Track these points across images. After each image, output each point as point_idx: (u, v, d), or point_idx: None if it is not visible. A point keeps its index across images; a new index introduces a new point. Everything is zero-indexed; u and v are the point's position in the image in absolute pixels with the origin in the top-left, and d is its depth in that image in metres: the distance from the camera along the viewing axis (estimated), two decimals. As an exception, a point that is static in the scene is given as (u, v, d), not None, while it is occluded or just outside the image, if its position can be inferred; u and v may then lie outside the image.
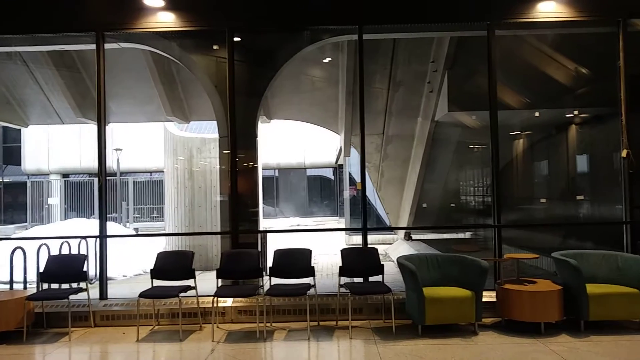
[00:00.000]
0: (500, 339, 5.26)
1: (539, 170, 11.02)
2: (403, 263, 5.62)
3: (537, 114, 9.50)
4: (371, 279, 6.06)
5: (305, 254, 5.97)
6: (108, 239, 6.50)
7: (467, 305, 5.42)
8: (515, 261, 6.00)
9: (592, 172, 9.15)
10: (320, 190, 23.62)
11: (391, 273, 5.98)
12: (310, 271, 5.82)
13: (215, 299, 5.61)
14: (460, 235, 10.64)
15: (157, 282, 5.82)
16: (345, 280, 5.90)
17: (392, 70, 9.48)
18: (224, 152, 6.60)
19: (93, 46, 6.48)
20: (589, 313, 5.39)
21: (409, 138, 10.62)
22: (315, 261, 6.28)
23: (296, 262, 5.90)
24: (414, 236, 11.42)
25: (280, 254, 6.01)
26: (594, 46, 7.87)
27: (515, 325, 5.57)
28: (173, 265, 5.88)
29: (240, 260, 5.91)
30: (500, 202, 6.40)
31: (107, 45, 6.57)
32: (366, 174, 11.81)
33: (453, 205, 10.80)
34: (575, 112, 9.35)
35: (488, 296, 5.89)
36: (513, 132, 10.70)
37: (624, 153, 6.37)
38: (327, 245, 10.11)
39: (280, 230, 7.17)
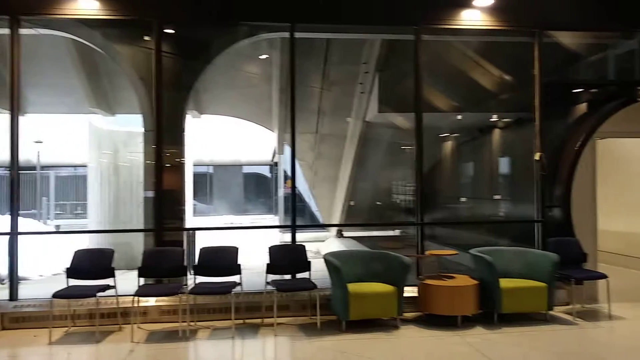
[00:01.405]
0: (420, 333, 5.46)
1: (465, 170, 11.54)
2: (328, 260, 5.69)
3: (459, 116, 9.93)
4: (299, 275, 6.11)
5: (232, 251, 5.91)
6: (22, 237, 6.10)
7: (389, 301, 5.58)
8: (436, 257, 6.25)
9: (511, 174, 9.69)
10: (256, 188, 23.41)
11: (322, 270, 6.04)
12: (236, 269, 5.76)
13: (136, 298, 5.43)
14: (390, 233, 10.92)
15: (76, 282, 5.55)
16: (274, 277, 5.90)
17: (325, 69, 9.58)
18: (150, 146, 6.39)
19: (6, 31, 6.06)
20: (502, 306, 5.71)
21: (341, 137, 10.78)
22: (247, 259, 6.24)
23: (222, 260, 5.83)
24: (345, 233, 11.61)
25: (206, 251, 5.91)
26: (515, 55, 8.33)
27: (435, 319, 5.79)
28: (91, 264, 5.62)
29: (164, 259, 5.75)
30: (423, 201, 6.63)
31: (23, 31, 6.16)
32: (300, 172, 11.91)
33: (379, 203, 11.09)
34: (497, 117, 9.86)
35: (410, 291, 6.08)
36: (441, 134, 11.12)
37: (537, 156, 6.79)
38: (261, 243, 10.03)
39: (208, 228, 7.07)
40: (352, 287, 5.59)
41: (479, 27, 6.80)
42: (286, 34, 6.59)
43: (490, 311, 5.80)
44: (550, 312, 5.91)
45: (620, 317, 5.95)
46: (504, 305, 5.71)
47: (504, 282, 5.79)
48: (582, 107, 7.45)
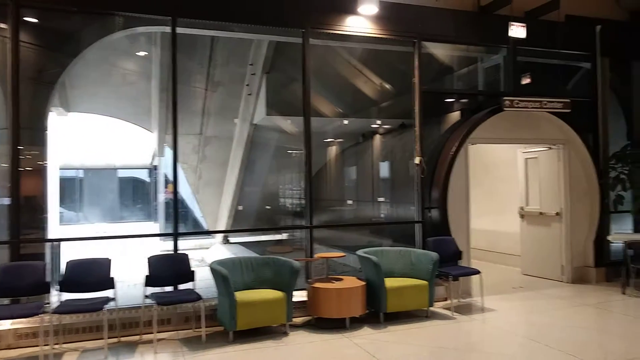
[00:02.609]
0: (310, 337, 5.39)
1: (350, 174, 11.84)
2: (215, 268, 5.39)
3: (346, 121, 10.17)
4: (183, 286, 5.72)
5: (104, 264, 5.34)
6: None
7: (278, 307, 5.44)
8: (325, 260, 6.25)
9: (393, 177, 10.12)
10: (134, 193, 21.89)
11: (208, 279, 5.71)
12: (109, 283, 5.21)
13: (-14, 322, 4.65)
14: (278, 237, 10.81)
15: None
16: (154, 290, 5.45)
17: (210, 69, 9.20)
18: (4, 147, 5.56)
19: None
20: (387, 305, 5.85)
21: (227, 140, 10.44)
22: (124, 271, 5.69)
23: (93, 273, 5.23)
24: (232, 239, 11.26)
25: (73, 265, 5.27)
26: (397, 63, 8.71)
27: (324, 323, 5.77)
28: None
29: (21, 275, 5.01)
30: (313, 205, 6.61)
31: None
32: (183, 176, 11.32)
33: (269, 207, 10.95)
34: (380, 123, 10.26)
35: (301, 296, 6.01)
36: (327, 139, 11.29)
37: (417, 160, 7.13)
38: (139, 253, 9.30)
39: (76, 239, 6.32)
40: (240, 295, 5.36)
41: (364, 34, 6.97)
42: (167, 29, 6.16)
43: (376, 311, 5.93)
44: (431, 309, 6.20)
45: (491, 309, 6.43)
46: (389, 304, 5.86)
47: (389, 282, 5.95)
48: (456, 115, 8.01)
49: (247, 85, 9.48)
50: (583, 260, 7.97)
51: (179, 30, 6.15)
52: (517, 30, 7.34)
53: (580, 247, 7.95)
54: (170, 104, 6.08)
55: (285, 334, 5.47)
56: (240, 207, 10.59)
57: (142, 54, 9.03)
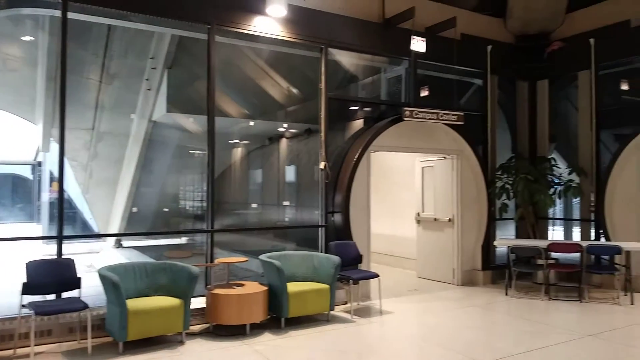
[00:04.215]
0: (208, 346, 5.17)
1: (254, 177, 11.67)
2: (104, 274, 4.98)
3: (251, 123, 10.01)
4: (67, 294, 5.22)
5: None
6: None
7: (174, 315, 5.15)
8: (226, 265, 6.05)
9: (298, 181, 10.13)
10: (12, 191, 19.77)
11: (97, 285, 5.25)
12: (-23, 292, 4.60)
13: None
14: (177, 241, 10.34)
15: None
16: (33, 299, 4.90)
17: (105, 60, 8.57)
18: None
19: None
20: (289, 310, 5.80)
21: (123, 136, 9.79)
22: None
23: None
24: (125, 243, 10.57)
25: None
26: (303, 69, 8.74)
27: (223, 330, 5.59)
28: None
29: None
30: (214, 208, 6.38)
31: None
32: (71, 173, 10.41)
33: (166, 210, 10.45)
34: (287, 126, 10.23)
35: (199, 303, 5.77)
36: (232, 140, 11.03)
37: (322, 165, 7.19)
38: (19, 257, 8.37)
39: None
40: (132, 303, 5.00)
41: (272, 36, 6.90)
42: (57, 13, 5.62)
43: (278, 316, 5.85)
44: (332, 312, 6.25)
45: (388, 311, 6.63)
46: (291, 309, 5.81)
47: (291, 286, 5.91)
48: (360, 123, 8.21)
49: (147, 79, 8.96)
50: (472, 264, 8.53)
51: (71, 15, 5.65)
52: (418, 44, 7.71)
53: (470, 251, 8.51)
54: (58, 95, 5.54)
55: (181, 342, 5.20)
56: (134, 209, 9.96)
57: (27, 38, 8.19)
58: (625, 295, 7.21)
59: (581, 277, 7.29)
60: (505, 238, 9.07)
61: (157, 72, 8.74)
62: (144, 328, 4.96)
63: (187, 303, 5.25)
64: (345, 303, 6.87)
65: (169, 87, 8.69)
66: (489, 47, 8.79)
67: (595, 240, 8.29)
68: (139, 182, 10.04)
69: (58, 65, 5.61)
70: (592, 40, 8.31)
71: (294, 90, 9.72)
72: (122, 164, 10.07)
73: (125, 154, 9.94)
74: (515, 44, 9.31)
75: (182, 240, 10.18)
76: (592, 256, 7.77)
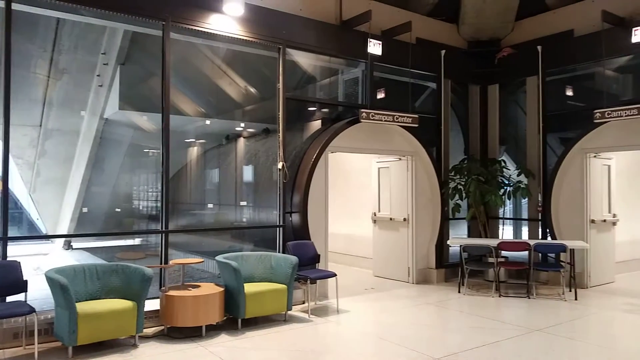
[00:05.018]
0: (162, 349, 5.07)
1: (211, 177, 11.49)
2: (52, 277, 4.79)
3: (208, 122, 9.87)
4: (13, 298, 4.99)
5: None
6: None
7: (127, 318, 5.02)
8: (182, 266, 5.94)
9: (256, 181, 10.06)
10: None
11: (46, 289, 5.05)
12: None
13: None
14: (130, 242, 10.05)
15: None
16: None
17: (54, 55, 8.21)
18: None
19: None
20: (246, 311, 5.75)
21: (73, 134, 9.42)
22: None
23: None
24: (75, 245, 10.17)
25: None
26: (261, 68, 8.69)
27: (178, 332, 5.50)
28: None
29: None
30: (169, 208, 6.25)
31: None
32: (16, 172, 9.93)
33: (119, 210, 10.13)
34: (244, 126, 10.13)
35: (154, 305, 5.65)
36: (188, 139, 10.82)
37: (280, 165, 7.18)
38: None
39: None
40: (82, 306, 4.84)
41: (230, 35, 6.84)
42: (0, 4, 5.36)
43: (234, 317, 5.80)
44: (289, 312, 6.26)
45: (345, 310, 6.70)
46: (248, 310, 5.77)
47: (248, 287, 5.87)
48: (318, 124, 8.25)
49: (98, 75, 8.66)
50: (426, 262, 8.74)
51: (16, 7, 5.41)
52: (375, 47, 7.83)
53: (424, 250, 8.71)
54: (2, 90, 5.29)
55: (134, 346, 5.08)
56: (85, 209, 9.60)
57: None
58: (570, 291, 7.57)
59: (529, 274, 7.61)
60: (458, 237, 9.35)
61: (109, 68, 8.47)
62: (95, 332, 4.80)
63: (140, 305, 5.13)
64: (303, 303, 6.88)
65: (121, 84, 8.43)
66: (443, 52, 9.03)
67: (542, 239, 8.67)
68: (90, 182, 9.69)
69: (2, 59, 5.35)
70: (539, 48, 8.69)
71: (252, 90, 9.65)
72: (72, 162, 9.68)
73: (75, 152, 9.57)
74: (468, 49, 9.62)
75: (136, 241, 9.90)
76: (540, 254, 8.12)
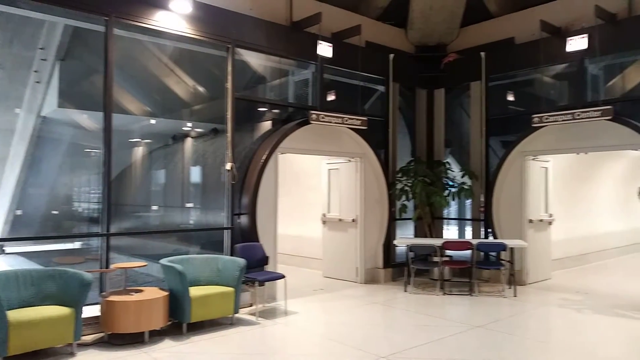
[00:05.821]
0: (102, 356, 4.87)
1: (156, 178, 11.19)
2: (-20, 284, 4.50)
3: (153, 121, 9.60)
4: None
5: None
6: None
7: (64, 325, 4.79)
8: (124, 271, 5.74)
9: (203, 182, 9.87)
10: None
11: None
12: None
13: None
14: (69, 246, 9.61)
15: None
16: None
17: (-13, 48, 7.76)
18: None
19: None
20: (191, 315, 5.62)
21: (7, 132, 8.91)
22: None
23: None
24: (9, 249, 9.61)
25: None
26: (210, 67, 8.53)
27: (119, 339, 5.30)
28: None
29: None
30: (110, 210, 6.02)
31: None
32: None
33: (56, 212, 9.66)
34: (192, 125, 9.93)
35: (93, 311, 5.42)
36: (132, 139, 10.48)
37: (228, 166, 7.07)
38: None
39: None
40: (14, 314, 4.58)
41: (177, 33, 6.68)
42: None
43: (179, 322, 5.66)
44: (236, 315, 6.17)
45: (294, 311, 6.68)
46: (194, 314, 5.65)
47: (194, 291, 5.74)
48: (268, 124, 8.20)
49: (36, 71, 8.23)
50: (374, 262, 8.86)
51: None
52: (325, 49, 7.87)
53: (372, 250, 8.83)
54: None
55: (71, 354, 4.86)
56: (19, 212, 9.10)
57: None
58: (510, 288, 7.88)
59: (472, 272, 7.87)
60: (405, 237, 9.54)
61: (48, 63, 8.07)
62: (28, 341, 4.55)
63: (78, 312, 4.90)
64: (251, 305, 6.81)
65: (61, 81, 8.05)
66: (391, 56, 9.20)
67: (484, 238, 8.98)
68: (25, 183, 9.20)
69: None
70: (482, 54, 9.01)
71: (200, 89, 9.47)
72: (6, 162, 9.16)
73: (9, 152, 9.05)
74: (415, 53, 9.84)
75: (76, 245, 9.48)
76: (482, 253, 8.41)
